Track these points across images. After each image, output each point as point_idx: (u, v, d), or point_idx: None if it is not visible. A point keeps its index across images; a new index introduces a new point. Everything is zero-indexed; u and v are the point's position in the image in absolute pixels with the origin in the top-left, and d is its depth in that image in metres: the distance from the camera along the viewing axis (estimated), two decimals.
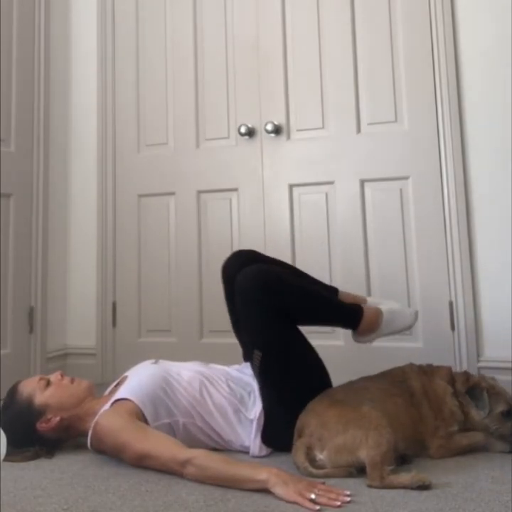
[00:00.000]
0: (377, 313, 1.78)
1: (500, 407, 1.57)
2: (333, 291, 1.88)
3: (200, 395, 1.64)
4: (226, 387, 1.68)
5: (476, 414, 1.58)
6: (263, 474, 1.34)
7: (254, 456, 1.60)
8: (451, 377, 1.65)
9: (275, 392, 1.62)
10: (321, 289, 1.81)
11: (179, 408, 1.62)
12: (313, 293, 1.72)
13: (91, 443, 1.59)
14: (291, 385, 1.63)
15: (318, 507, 1.25)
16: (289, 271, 1.83)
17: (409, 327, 1.84)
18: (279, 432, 1.59)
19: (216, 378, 1.71)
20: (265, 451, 1.61)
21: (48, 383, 1.68)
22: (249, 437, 1.62)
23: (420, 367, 1.69)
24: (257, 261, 1.79)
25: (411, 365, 1.71)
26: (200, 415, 1.63)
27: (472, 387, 1.61)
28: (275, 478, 1.32)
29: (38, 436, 1.64)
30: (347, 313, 1.77)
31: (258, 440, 1.61)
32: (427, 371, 1.67)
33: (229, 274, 1.84)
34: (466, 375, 1.67)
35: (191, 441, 1.60)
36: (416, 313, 1.84)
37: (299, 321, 1.69)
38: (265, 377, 1.64)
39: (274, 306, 1.61)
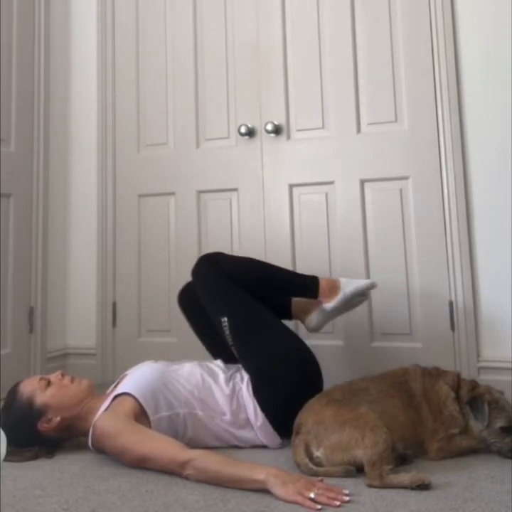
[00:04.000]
0: (333, 278, 1.99)
1: (500, 422, 1.54)
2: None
3: (202, 382, 1.70)
4: (222, 373, 1.77)
5: (475, 426, 1.57)
6: (261, 474, 1.34)
7: (255, 427, 1.67)
8: (457, 383, 1.63)
9: (249, 349, 1.76)
10: (276, 266, 1.98)
11: (179, 400, 1.64)
12: (262, 263, 1.97)
13: (92, 443, 1.59)
14: (260, 336, 1.78)
15: (319, 506, 1.25)
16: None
17: (369, 287, 1.97)
18: (266, 385, 1.69)
19: (214, 368, 1.80)
20: (261, 417, 1.67)
21: (49, 383, 1.69)
22: (247, 406, 1.68)
23: (425, 369, 1.68)
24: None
25: (416, 366, 1.70)
26: (202, 401, 1.66)
27: (474, 398, 1.58)
28: (274, 479, 1.32)
29: (40, 436, 1.64)
30: (304, 280, 1.94)
31: (251, 402, 1.68)
32: (433, 374, 1.66)
33: (183, 298, 2.07)
34: (473, 383, 1.65)
35: (192, 433, 1.63)
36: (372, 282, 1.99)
37: (249, 286, 1.85)
38: (236, 337, 1.78)
39: (218, 272, 1.85)
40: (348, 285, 1.93)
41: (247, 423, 1.68)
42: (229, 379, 1.76)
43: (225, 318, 1.79)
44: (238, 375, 1.78)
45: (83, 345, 2.75)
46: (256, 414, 1.67)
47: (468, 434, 1.58)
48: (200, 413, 1.65)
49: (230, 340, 1.79)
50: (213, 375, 1.76)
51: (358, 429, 1.41)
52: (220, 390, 1.71)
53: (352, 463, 1.41)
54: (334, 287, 1.92)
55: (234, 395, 1.70)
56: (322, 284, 1.92)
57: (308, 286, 1.93)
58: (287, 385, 1.70)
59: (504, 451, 1.54)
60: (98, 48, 2.86)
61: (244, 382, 1.74)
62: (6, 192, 2.52)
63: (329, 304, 1.92)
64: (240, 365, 1.81)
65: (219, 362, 1.86)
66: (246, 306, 1.83)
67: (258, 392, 1.70)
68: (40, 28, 2.75)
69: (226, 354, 1.85)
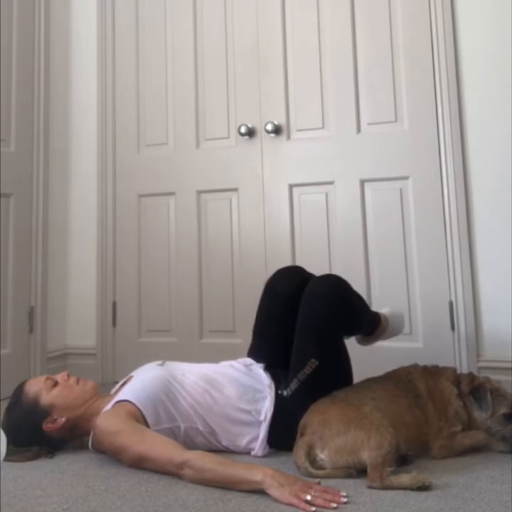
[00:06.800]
0: (385, 317, 1.90)
1: (503, 410, 1.57)
2: None
3: (203, 399, 1.63)
4: (233, 390, 1.66)
5: (479, 415, 1.59)
6: (258, 475, 1.33)
7: (256, 456, 1.60)
8: (456, 378, 1.65)
9: (310, 398, 1.59)
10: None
11: (181, 413, 1.61)
12: (364, 301, 1.83)
13: (92, 443, 1.59)
14: (329, 392, 1.62)
15: (314, 508, 1.24)
16: None
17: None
18: (288, 434, 1.55)
19: (222, 381, 1.69)
20: (267, 450, 1.62)
21: (55, 384, 1.69)
22: (255, 438, 1.61)
23: (425, 367, 1.69)
24: (305, 276, 1.85)
25: (415, 365, 1.71)
26: (203, 419, 1.61)
27: (476, 388, 1.61)
28: (270, 480, 1.31)
29: (43, 436, 1.64)
30: (374, 318, 1.87)
31: (265, 441, 1.61)
32: (433, 372, 1.67)
33: (277, 288, 1.86)
34: (471, 376, 1.68)
35: (193, 445, 1.59)
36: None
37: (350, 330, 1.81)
38: (311, 384, 1.64)
39: (344, 317, 1.70)
40: (390, 334, 1.92)
41: (246, 449, 1.63)
42: (243, 394, 1.65)
43: (316, 363, 1.65)
44: (260, 402, 1.65)
45: (83, 345, 2.75)
46: (263, 449, 1.61)
47: (472, 425, 1.59)
48: (201, 428, 1.62)
49: (301, 377, 1.65)
50: (219, 393, 1.65)
51: (364, 430, 1.40)
52: (222, 412, 1.62)
53: (357, 464, 1.40)
54: (381, 330, 1.89)
55: (241, 423, 1.63)
56: (379, 328, 1.88)
57: (369, 329, 1.88)
58: None
59: (508, 438, 1.56)
60: (98, 48, 2.86)
61: (263, 414, 1.63)
62: (6, 192, 2.52)
63: (364, 341, 1.94)
64: (261, 386, 1.69)
65: (245, 371, 1.74)
66: (340, 362, 1.73)
67: (272, 432, 1.62)
68: (40, 28, 2.75)
69: (270, 359, 1.77)
